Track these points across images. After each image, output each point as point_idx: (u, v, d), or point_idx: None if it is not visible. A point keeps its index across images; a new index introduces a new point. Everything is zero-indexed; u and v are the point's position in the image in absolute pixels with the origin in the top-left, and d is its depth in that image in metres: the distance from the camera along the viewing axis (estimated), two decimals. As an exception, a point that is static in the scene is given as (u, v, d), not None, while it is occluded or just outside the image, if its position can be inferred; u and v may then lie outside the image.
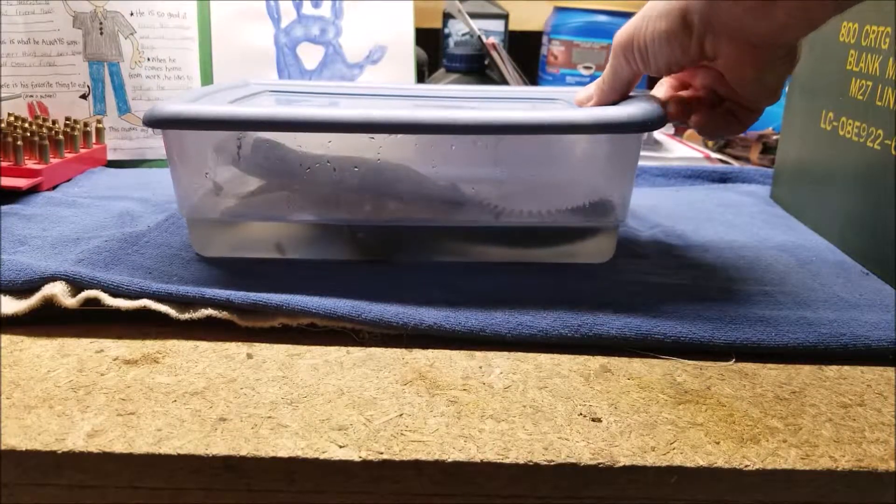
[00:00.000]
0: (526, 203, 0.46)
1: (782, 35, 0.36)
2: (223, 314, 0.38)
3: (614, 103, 0.43)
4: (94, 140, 0.66)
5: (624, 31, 0.40)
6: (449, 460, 0.29)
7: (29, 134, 0.59)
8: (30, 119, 0.64)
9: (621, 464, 0.29)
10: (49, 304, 0.38)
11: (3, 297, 0.39)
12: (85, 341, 0.37)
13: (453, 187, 0.46)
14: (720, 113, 0.42)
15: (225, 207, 0.47)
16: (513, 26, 0.97)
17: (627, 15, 0.98)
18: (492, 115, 0.41)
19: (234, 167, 0.46)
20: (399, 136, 0.43)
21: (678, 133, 0.94)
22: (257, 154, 0.46)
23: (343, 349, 0.37)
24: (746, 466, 0.29)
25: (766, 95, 0.40)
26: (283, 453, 0.29)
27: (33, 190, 0.57)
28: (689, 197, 0.64)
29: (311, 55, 0.77)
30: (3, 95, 0.67)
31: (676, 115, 0.42)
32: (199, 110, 0.41)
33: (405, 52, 0.78)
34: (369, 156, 0.45)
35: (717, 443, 0.31)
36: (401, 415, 0.32)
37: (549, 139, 0.44)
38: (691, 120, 0.43)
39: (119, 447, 0.29)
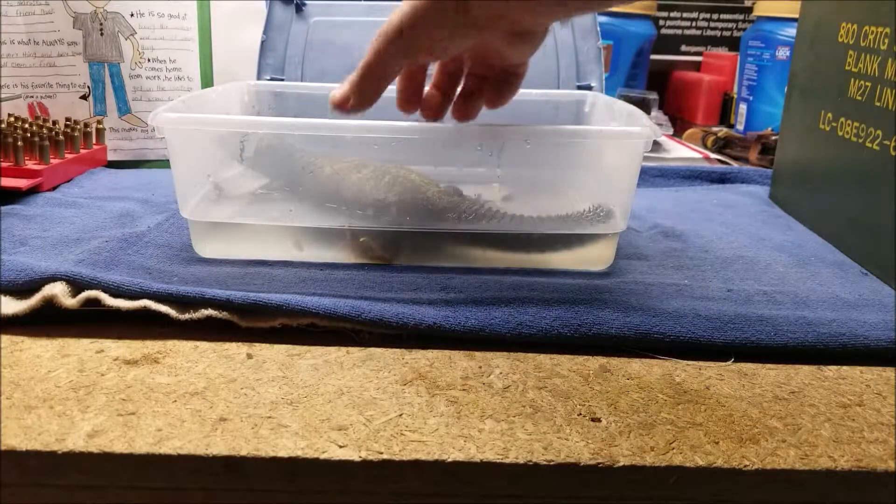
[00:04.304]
0: (527, 209, 0.46)
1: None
2: (223, 314, 0.38)
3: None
4: (94, 141, 0.66)
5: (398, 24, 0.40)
6: (449, 460, 0.29)
7: (29, 134, 0.59)
8: (30, 119, 0.64)
9: (621, 464, 0.29)
10: (49, 305, 0.38)
11: (3, 297, 0.39)
12: (85, 341, 0.37)
13: (456, 192, 0.47)
14: (495, 83, 0.45)
15: (225, 209, 0.47)
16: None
17: (627, 15, 0.99)
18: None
19: (236, 167, 0.47)
20: (403, 141, 0.43)
21: (677, 133, 0.94)
22: (261, 153, 0.46)
23: (343, 349, 0.37)
24: (745, 466, 0.29)
25: (533, 52, 0.43)
26: (283, 453, 0.29)
27: (33, 190, 0.57)
28: (688, 197, 0.64)
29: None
30: (3, 96, 0.68)
31: (470, 113, 0.45)
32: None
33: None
34: (372, 160, 0.45)
35: (717, 443, 0.31)
36: (401, 415, 0.32)
37: (552, 147, 0.44)
38: (482, 106, 0.46)
39: (119, 447, 0.29)
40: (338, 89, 0.42)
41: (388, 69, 0.41)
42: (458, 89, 0.46)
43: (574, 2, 0.38)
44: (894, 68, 0.46)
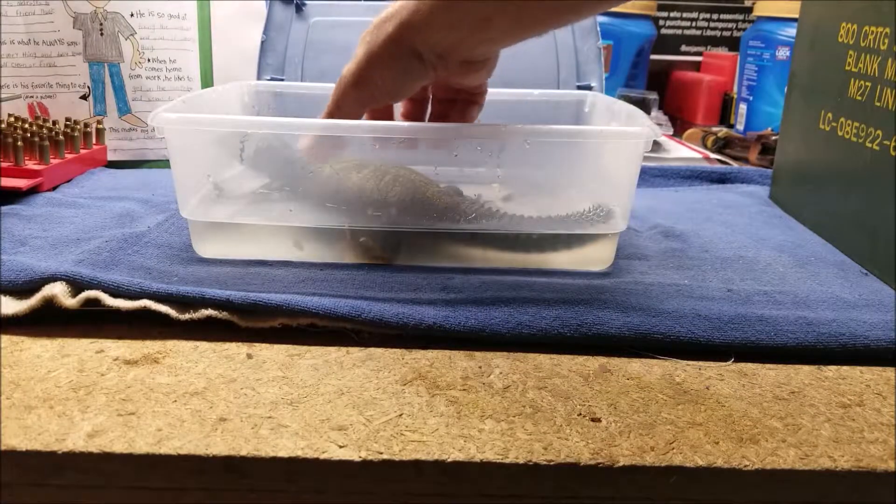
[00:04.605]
0: (527, 209, 0.46)
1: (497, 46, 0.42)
2: (223, 314, 0.38)
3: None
4: (94, 141, 0.66)
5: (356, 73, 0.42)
6: (449, 460, 0.29)
7: (29, 135, 0.59)
8: (30, 120, 0.64)
9: (621, 464, 0.29)
10: (49, 305, 0.38)
11: (3, 297, 0.39)
12: (85, 341, 0.37)
13: (456, 192, 0.47)
14: (461, 106, 0.47)
15: (225, 209, 0.47)
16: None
17: (627, 15, 0.98)
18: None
19: (236, 167, 0.47)
20: (402, 142, 0.43)
21: (677, 133, 0.94)
22: (261, 153, 0.46)
23: (343, 349, 0.37)
24: (745, 466, 0.29)
25: (489, 76, 0.45)
26: (283, 453, 0.29)
27: (33, 190, 0.57)
28: (688, 197, 0.64)
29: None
30: (3, 96, 0.68)
31: None
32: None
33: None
34: (372, 160, 0.45)
35: (717, 443, 0.31)
36: (401, 415, 0.32)
37: (552, 147, 0.44)
38: None
39: (119, 447, 0.29)
40: (304, 140, 0.44)
41: (350, 117, 0.43)
42: (427, 115, 0.48)
43: (519, 30, 0.40)
44: (894, 68, 0.46)
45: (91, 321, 0.38)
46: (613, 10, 0.93)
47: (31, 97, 0.68)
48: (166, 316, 0.38)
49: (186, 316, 0.38)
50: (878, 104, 0.47)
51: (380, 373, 0.35)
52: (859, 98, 0.50)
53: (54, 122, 0.63)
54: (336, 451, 0.29)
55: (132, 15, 0.68)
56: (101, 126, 0.67)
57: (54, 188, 0.59)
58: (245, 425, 0.30)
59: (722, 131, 0.87)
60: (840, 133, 0.52)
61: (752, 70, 0.91)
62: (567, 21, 0.42)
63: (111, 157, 0.68)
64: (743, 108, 0.93)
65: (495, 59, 0.44)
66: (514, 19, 0.39)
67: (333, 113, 0.43)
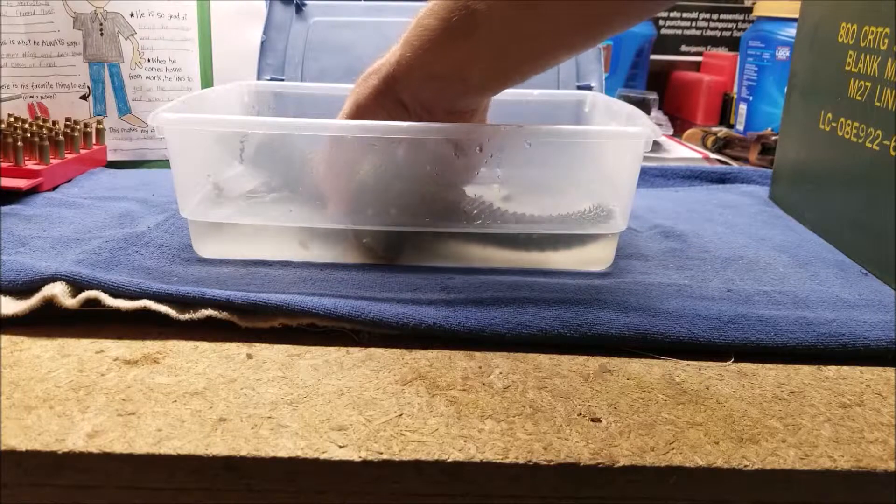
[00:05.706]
0: (527, 209, 0.46)
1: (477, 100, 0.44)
2: (223, 314, 0.38)
3: None
4: (94, 141, 0.66)
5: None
6: (449, 460, 0.29)
7: (29, 135, 0.59)
8: (30, 120, 0.64)
9: (621, 464, 0.29)
10: (49, 305, 0.38)
11: (3, 297, 0.39)
12: (85, 342, 0.37)
13: (456, 192, 0.47)
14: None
15: (225, 209, 0.47)
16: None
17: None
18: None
19: (236, 167, 0.47)
20: (402, 141, 0.43)
21: (677, 133, 0.94)
22: (262, 152, 0.46)
23: (343, 349, 0.37)
24: (745, 466, 0.29)
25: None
26: (283, 453, 0.29)
27: (33, 191, 0.57)
28: (688, 197, 0.64)
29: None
30: (3, 96, 0.68)
31: None
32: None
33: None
34: (372, 160, 0.45)
35: (717, 443, 0.31)
36: (401, 415, 0.32)
37: (552, 147, 0.44)
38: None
39: (119, 447, 0.29)
40: (332, 203, 0.45)
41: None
42: None
43: (496, 82, 0.41)
44: (894, 68, 0.46)
45: (91, 321, 0.38)
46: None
47: (31, 97, 0.68)
48: (166, 316, 0.38)
49: (186, 316, 0.38)
50: (878, 104, 0.47)
51: (380, 373, 0.35)
52: (859, 98, 0.50)
53: (54, 123, 0.63)
54: (336, 451, 0.29)
55: (132, 15, 0.69)
56: (101, 126, 0.67)
57: (54, 188, 0.59)
58: (245, 425, 0.30)
59: (722, 131, 0.87)
60: (840, 133, 0.52)
61: (752, 70, 0.91)
62: (542, 69, 0.42)
63: (111, 157, 0.68)
64: (743, 108, 0.93)
65: (485, 111, 0.45)
66: (490, 72, 0.40)
67: (328, 160, 0.44)
